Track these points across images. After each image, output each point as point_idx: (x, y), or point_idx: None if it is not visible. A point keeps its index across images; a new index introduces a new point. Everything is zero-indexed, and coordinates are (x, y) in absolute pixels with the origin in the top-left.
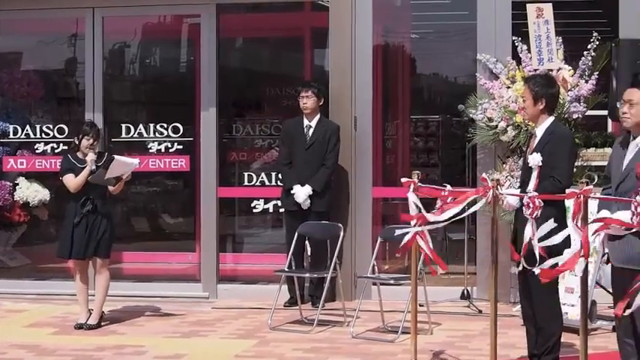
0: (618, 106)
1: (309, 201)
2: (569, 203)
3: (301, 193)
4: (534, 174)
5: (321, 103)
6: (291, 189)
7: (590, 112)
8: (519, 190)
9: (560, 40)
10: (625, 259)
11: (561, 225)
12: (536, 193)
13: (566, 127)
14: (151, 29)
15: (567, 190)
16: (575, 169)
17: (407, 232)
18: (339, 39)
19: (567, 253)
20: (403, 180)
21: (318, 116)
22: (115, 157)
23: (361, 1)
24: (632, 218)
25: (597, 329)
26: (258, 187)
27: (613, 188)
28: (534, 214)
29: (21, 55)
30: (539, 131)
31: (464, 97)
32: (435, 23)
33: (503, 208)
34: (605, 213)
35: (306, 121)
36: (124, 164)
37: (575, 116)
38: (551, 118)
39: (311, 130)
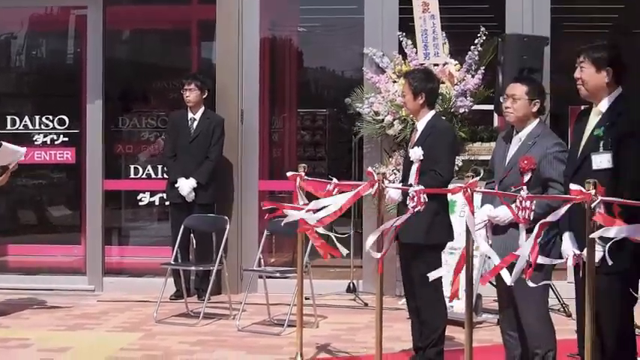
0: (502, 100)
1: (193, 194)
2: (453, 197)
3: (185, 185)
4: (415, 168)
5: (205, 96)
6: (176, 182)
7: (476, 107)
8: (401, 183)
9: (444, 35)
10: (505, 253)
11: (442, 219)
12: (422, 187)
13: (447, 121)
14: (38, 20)
15: (451, 185)
16: (461, 163)
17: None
18: (226, 32)
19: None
20: (289, 174)
21: (203, 109)
22: (3, 143)
23: None
24: (517, 213)
25: (482, 322)
26: (144, 180)
27: (496, 182)
28: (417, 208)
29: None
30: (420, 125)
31: (351, 90)
32: (323, 17)
33: (386, 202)
34: (488, 207)
35: (190, 114)
36: (12, 152)
37: (461, 111)
38: (432, 112)
39: (195, 123)
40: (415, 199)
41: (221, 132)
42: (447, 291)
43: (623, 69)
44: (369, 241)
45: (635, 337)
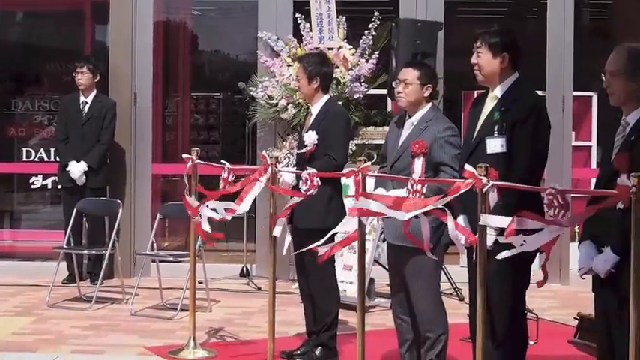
0: (394, 85)
1: (84, 177)
2: (346, 181)
3: (76, 169)
4: (309, 151)
5: (97, 79)
6: (67, 165)
7: (371, 91)
8: (296, 168)
9: (344, 19)
10: (398, 236)
11: (336, 202)
12: (315, 170)
13: (341, 105)
14: None
15: (345, 169)
16: (355, 148)
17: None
18: (119, 14)
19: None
20: (185, 156)
21: (95, 92)
22: None
23: None
24: (409, 196)
25: (375, 306)
26: (36, 163)
27: (389, 166)
28: (310, 192)
29: None
30: (315, 110)
31: (245, 74)
32: (217, 0)
33: (280, 186)
34: (381, 191)
35: (82, 97)
36: None
37: (356, 95)
38: (327, 97)
39: (87, 107)
40: (308, 182)
41: (113, 115)
42: (340, 275)
43: (519, 54)
44: (277, 230)
45: (526, 321)
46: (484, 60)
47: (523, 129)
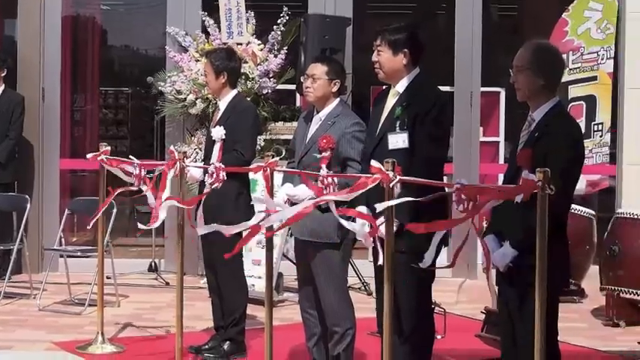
0: (302, 80)
1: None
2: (255, 176)
3: None
4: (217, 147)
5: (4, 74)
6: None
7: (280, 87)
8: (204, 162)
9: (253, 14)
10: (305, 232)
11: (244, 198)
12: (221, 164)
13: (249, 100)
14: None
15: (253, 164)
16: (264, 143)
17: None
18: (27, 8)
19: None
20: (89, 156)
21: (3, 87)
22: None
23: None
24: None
25: (284, 301)
26: None
27: (296, 161)
28: (215, 185)
29: None
30: (223, 105)
31: (154, 69)
32: None
33: (186, 180)
34: (288, 186)
35: None
36: None
37: (265, 91)
38: (234, 92)
39: None
40: (214, 175)
41: (21, 110)
42: (248, 270)
43: (420, 50)
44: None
45: (432, 314)
46: (384, 58)
47: (423, 124)
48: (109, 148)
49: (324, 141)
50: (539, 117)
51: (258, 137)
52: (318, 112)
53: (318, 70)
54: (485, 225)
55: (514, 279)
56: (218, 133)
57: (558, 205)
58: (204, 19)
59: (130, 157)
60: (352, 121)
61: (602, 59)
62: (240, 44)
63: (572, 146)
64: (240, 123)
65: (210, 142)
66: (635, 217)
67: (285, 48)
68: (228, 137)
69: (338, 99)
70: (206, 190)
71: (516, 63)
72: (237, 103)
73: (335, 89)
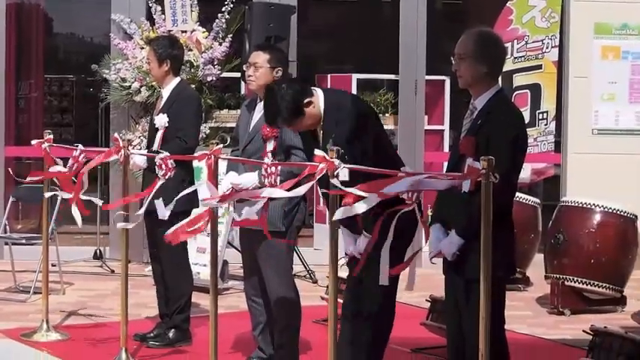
0: (245, 68)
1: None
2: (199, 164)
3: None
4: (159, 134)
5: None
6: None
7: (224, 74)
8: (147, 150)
9: (196, 2)
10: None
11: (188, 186)
12: (167, 154)
13: (193, 88)
14: None
15: (198, 152)
16: (208, 131)
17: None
18: None
19: (194, 213)
20: (34, 142)
21: None
22: None
23: None
24: (263, 180)
25: (229, 289)
26: None
27: (240, 150)
28: (168, 175)
29: None
30: (166, 92)
31: (99, 56)
32: None
33: (130, 168)
34: (232, 174)
35: None
36: None
37: (209, 79)
38: (177, 79)
39: None
40: (163, 166)
41: None
42: (193, 258)
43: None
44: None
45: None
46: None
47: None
48: (51, 136)
49: (268, 129)
50: (482, 104)
51: (203, 125)
52: (261, 101)
53: (260, 58)
54: (430, 214)
55: (460, 267)
56: (161, 120)
57: (503, 193)
58: (151, 5)
59: (76, 144)
60: None
61: (547, 48)
62: (185, 32)
63: (515, 133)
64: (183, 110)
65: (153, 130)
66: (580, 205)
67: (230, 36)
68: (171, 125)
69: None
70: (160, 182)
71: (458, 51)
72: (181, 91)
73: (278, 77)
